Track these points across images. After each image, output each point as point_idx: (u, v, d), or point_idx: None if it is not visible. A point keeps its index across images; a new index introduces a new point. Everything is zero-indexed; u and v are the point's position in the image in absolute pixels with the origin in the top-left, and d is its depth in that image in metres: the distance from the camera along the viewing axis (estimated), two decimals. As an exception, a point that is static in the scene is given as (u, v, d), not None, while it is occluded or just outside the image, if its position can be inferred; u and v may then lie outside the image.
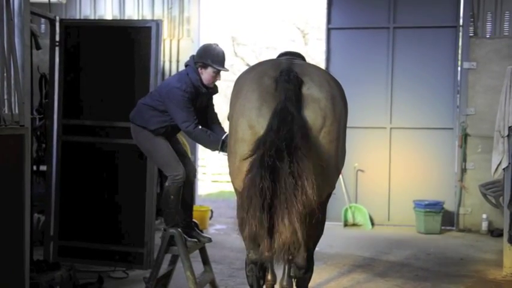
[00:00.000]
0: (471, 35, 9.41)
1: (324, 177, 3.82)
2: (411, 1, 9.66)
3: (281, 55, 4.67)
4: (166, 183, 5.21)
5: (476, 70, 9.35)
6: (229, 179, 4.23)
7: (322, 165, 3.74)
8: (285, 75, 3.76)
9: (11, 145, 4.25)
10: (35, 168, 6.21)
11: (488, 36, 9.41)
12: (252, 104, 3.77)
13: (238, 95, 3.93)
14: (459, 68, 9.53)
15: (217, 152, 5.07)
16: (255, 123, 3.72)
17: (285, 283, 4.36)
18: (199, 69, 5.08)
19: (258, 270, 4.17)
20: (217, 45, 5.17)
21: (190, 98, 5.01)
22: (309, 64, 4.33)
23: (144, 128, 5.17)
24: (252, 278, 4.19)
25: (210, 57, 5.07)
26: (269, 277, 4.73)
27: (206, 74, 5.09)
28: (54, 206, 6.26)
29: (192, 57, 5.19)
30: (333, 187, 4.28)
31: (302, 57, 4.58)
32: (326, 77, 4.08)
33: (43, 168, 6.49)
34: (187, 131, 5.01)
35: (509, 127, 6.51)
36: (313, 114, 3.75)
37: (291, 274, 4.15)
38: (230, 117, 4.04)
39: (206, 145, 5.16)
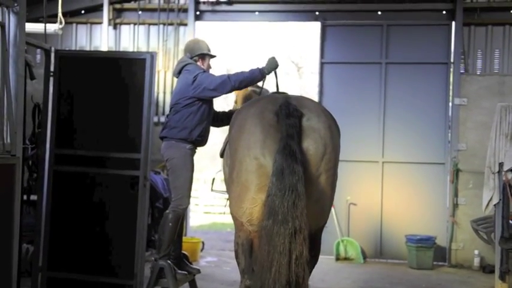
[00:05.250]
0: (462, 71, 9.55)
1: (322, 204, 3.93)
2: (403, 37, 9.80)
3: None
4: (167, 210, 5.20)
5: (467, 106, 9.46)
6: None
7: (319, 193, 3.92)
8: (285, 109, 3.92)
9: (2, 175, 4.23)
10: (25, 197, 6.17)
11: (478, 73, 9.56)
12: (257, 137, 3.95)
13: (241, 130, 4.10)
14: (450, 104, 9.62)
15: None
16: (260, 155, 3.90)
17: None
18: (198, 62, 5.50)
19: None
20: (197, 38, 5.64)
21: None
22: (303, 97, 4.50)
23: (185, 142, 5.31)
24: None
25: (203, 49, 5.56)
26: None
27: (206, 63, 5.56)
28: (43, 236, 6.19)
29: (186, 57, 5.56)
30: (329, 213, 4.34)
31: None
32: (321, 108, 4.30)
33: (33, 197, 6.44)
34: (226, 81, 5.22)
35: (500, 163, 6.56)
36: (315, 143, 3.93)
37: None
38: (233, 151, 4.12)
39: (250, 82, 5.31)
